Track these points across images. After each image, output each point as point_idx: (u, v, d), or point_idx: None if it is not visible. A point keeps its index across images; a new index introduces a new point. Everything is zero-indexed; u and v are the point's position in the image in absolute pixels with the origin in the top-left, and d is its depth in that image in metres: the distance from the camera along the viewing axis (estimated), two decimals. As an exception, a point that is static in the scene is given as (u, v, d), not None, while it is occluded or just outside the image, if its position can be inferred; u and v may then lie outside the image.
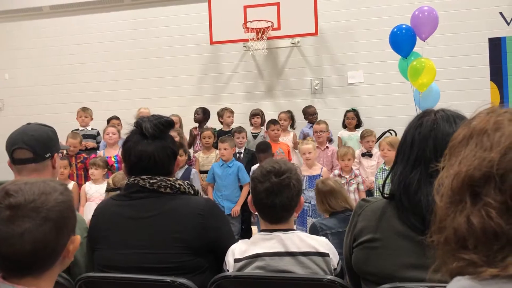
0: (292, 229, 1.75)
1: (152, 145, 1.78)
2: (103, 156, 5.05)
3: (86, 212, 4.46)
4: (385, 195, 1.49)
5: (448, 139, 1.38)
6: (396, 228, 1.43)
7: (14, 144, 1.86)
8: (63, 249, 1.07)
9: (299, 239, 1.69)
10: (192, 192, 1.81)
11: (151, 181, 1.74)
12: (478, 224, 0.62)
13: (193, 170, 4.95)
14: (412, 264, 1.37)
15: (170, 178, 1.78)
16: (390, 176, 1.53)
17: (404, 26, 5.18)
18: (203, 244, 1.70)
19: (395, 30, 5.21)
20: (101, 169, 4.68)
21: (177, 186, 1.77)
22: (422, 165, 1.43)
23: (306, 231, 4.55)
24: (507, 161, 0.62)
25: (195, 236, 1.69)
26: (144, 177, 1.76)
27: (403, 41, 5.11)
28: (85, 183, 4.96)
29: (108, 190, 2.90)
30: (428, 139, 1.44)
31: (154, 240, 1.68)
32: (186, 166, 4.92)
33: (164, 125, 1.82)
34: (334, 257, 1.71)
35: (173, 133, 1.97)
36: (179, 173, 4.79)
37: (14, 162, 1.87)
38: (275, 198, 1.67)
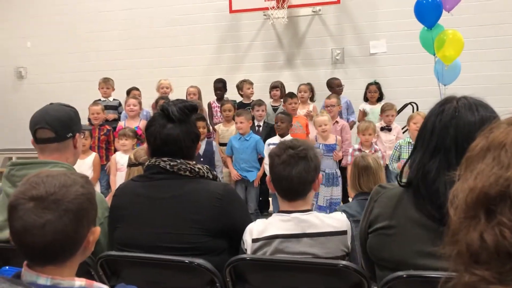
0: (310, 210, 1.76)
1: (178, 129, 1.82)
2: (131, 127, 5.10)
3: (118, 182, 4.54)
4: (402, 183, 1.48)
5: (469, 128, 1.38)
6: (412, 216, 1.43)
7: (37, 124, 1.90)
8: (83, 240, 1.11)
9: (317, 219, 1.70)
10: (211, 176, 1.84)
11: (171, 163, 1.78)
12: (492, 243, 0.61)
13: (214, 143, 4.99)
14: (427, 252, 1.37)
15: (190, 162, 1.82)
16: (408, 163, 1.51)
17: (430, -5, 4.99)
18: (219, 228, 1.74)
19: (420, -1, 5.03)
20: (131, 139, 4.75)
21: (197, 170, 1.80)
22: (442, 153, 1.40)
23: (316, 200, 4.61)
24: None
25: (212, 219, 1.72)
26: (165, 159, 1.80)
27: (428, 11, 4.93)
28: (107, 155, 5.03)
29: (129, 165, 2.94)
30: (449, 128, 1.41)
31: (172, 220, 1.73)
32: (206, 138, 4.95)
33: (189, 109, 1.85)
34: (350, 233, 1.73)
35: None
36: (202, 145, 4.84)
37: (37, 141, 1.92)
38: (292, 170, 1.68)
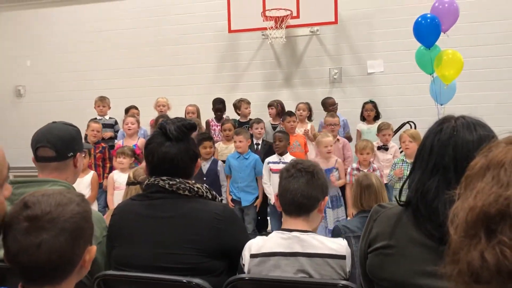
0: (311, 231, 1.76)
1: (176, 147, 1.81)
2: (130, 146, 5.11)
3: (115, 201, 4.53)
4: (401, 202, 1.48)
5: (468, 147, 1.38)
6: (412, 235, 1.42)
7: (38, 142, 1.91)
8: (79, 259, 1.09)
9: (316, 241, 1.70)
10: (210, 196, 1.83)
11: (170, 183, 1.78)
12: (492, 261, 0.61)
13: (220, 162, 4.99)
14: (427, 272, 1.36)
15: (189, 181, 1.81)
16: (407, 182, 1.51)
17: (429, 15, 5.04)
18: (218, 248, 1.72)
19: (419, 19, 5.06)
20: (129, 158, 4.75)
21: (195, 189, 1.80)
22: (441, 172, 1.41)
23: (326, 221, 4.60)
24: None
25: (210, 239, 1.71)
26: (164, 178, 1.79)
27: (427, 31, 4.98)
28: (103, 173, 5.02)
29: (128, 183, 2.94)
30: (447, 146, 1.41)
31: (170, 240, 1.71)
32: (213, 157, 4.96)
33: (187, 127, 1.85)
34: (349, 259, 1.72)
35: None
36: (206, 164, 4.84)
37: (38, 159, 1.92)
38: (297, 182, 1.74)
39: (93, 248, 1.13)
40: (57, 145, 1.89)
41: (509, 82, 6.39)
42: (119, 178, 4.65)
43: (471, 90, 6.22)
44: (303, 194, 1.73)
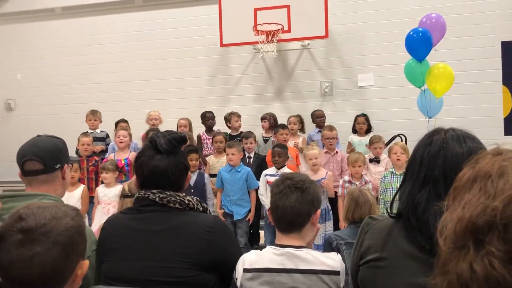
0: (304, 247, 1.75)
1: (166, 160, 1.80)
2: (113, 160, 5.09)
3: (97, 215, 4.52)
4: (392, 214, 1.49)
5: (457, 159, 1.39)
6: (403, 247, 1.42)
7: (25, 156, 1.87)
8: (71, 273, 1.09)
9: (310, 256, 1.69)
10: (201, 209, 1.82)
11: (161, 196, 1.77)
12: (481, 272, 0.62)
13: (206, 175, 4.98)
14: (418, 284, 1.35)
15: (180, 194, 1.80)
16: (398, 194, 1.52)
17: (420, 29, 5.11)
18: (209, 261, 1.71)
19: (411, 33, 5.13)
20: (112, 172, 4.73)
21: (186, 202, 1.79)
22: (431, 184, 1.41)
23: None
24: (510, 211, 0.61)
25: (202, 252, 1.70)
26: (154, 191, 1.78)
27: (419, 44, 5.04)
28: (96, 186, 5.00)
29: (123, 196, 2.93)
30: (437, 158, 1.42)
31: (161, 254, 1.70)
32: (198, 170, 4.95)
33: (178, 140, 1.85)
34: (343, 275, 1.71)
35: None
36: (193, 177, 4.82)
37: (25, 174, 1.89)
38: (287, 200, 1.71)
39: (86, 263, 1.13)
40: (44, 158, 1.86)
41: (495, 95, 6.47)
42: (100, 193, 4.65)
43: (458, 103, 6.30)
44: (293, 212, 1.71)
